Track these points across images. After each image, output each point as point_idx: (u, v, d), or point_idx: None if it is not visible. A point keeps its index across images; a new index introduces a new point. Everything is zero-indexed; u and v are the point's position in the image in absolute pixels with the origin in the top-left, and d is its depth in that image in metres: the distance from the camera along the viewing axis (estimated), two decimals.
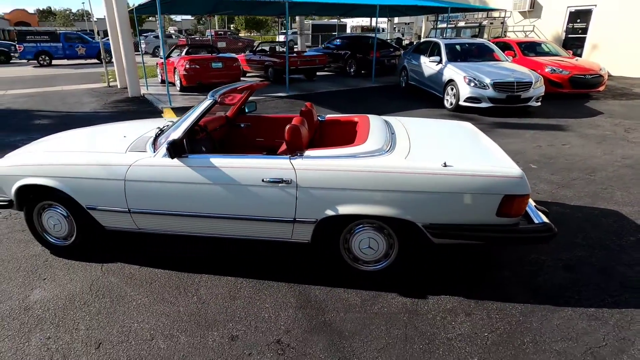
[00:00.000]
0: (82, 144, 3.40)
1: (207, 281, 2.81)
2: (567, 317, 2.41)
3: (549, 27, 14.64)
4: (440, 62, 8.95)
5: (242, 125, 4.13)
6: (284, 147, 3.05)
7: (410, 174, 2.50)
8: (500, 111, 7.91)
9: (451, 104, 8.34)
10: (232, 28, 50.33)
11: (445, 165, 2.51)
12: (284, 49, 14.02)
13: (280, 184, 2.61)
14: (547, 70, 9.42)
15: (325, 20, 30.87)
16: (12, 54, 24.03)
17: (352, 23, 31.78)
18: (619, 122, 7.34)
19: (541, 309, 2.48)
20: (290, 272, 2.90)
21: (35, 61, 20.75)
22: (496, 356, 2.13)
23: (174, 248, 3.24)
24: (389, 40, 17.93)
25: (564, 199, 4.06)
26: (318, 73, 13.71)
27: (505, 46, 10.86)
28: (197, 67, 10.78)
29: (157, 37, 23.86)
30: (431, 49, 9.68)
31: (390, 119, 3.67)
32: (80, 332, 2.33)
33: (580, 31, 14.07)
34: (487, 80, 7.73)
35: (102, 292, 2.70)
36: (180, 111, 8.48)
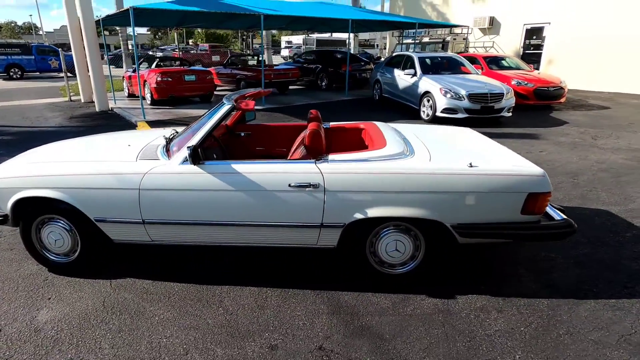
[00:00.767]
0: (82, 153, 3.22)
1: (229, 292, 2.71)
2: (592, 309, 2.52)
3: (508, 43, 15.62)
4: (414, 74, 9.29)
5: (242, 134, 4.06)
6: (297, 154, 3.03)
7: (439, 174, 2.56)
8: (475, 122, 8.27)
9: (428, 115, 8.63)
10: (190, 43, 49.47)
11: (471, 166, 2.59)
12: (255, 62, 14.09)
13: (307, 189, 2.58)
14: (513, 82, 10.00)
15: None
16: None
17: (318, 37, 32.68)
18: (584, 130, 7.89)
19: (566, 303, 2.59)
20: (315, 279, 2.86)
21: (5, 74, 19.87)
22: (537, 349, 2.19)
23: (184, 260, 3.10)
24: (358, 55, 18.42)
25: (556, 202, 4.29)
26: (290, 87, 13.80)
27: (472, 60, 11.43)
28: (170, 79, 10.54)
29: (119, 52, 23.06)
30: (404, 63, 10.02)
31: (396, 125, 3.75)
32: (104, 350, 2.16)
33: (536, 47, 15.11)
34: (463, 92, 8.09)
35: (117, 308, 2.52)
36: (156, 125, 8.23)
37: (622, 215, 3.94)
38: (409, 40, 16.55)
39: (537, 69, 14.47)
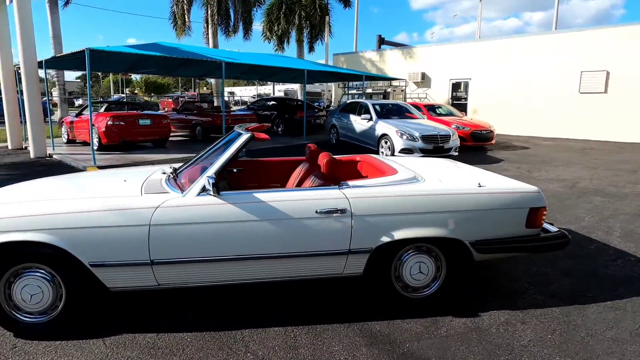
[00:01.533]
0: (67, 191, 2.86)
1: (253, 335, 2.45)
2: (597, 312, 2.70)
3: (439, 95, 17.13)
4: (370, 119, 9.78)
5: (235, 170, 3.95)
6: (307, 184, 2.99)
7: (455, 194, 2.68)
8: None
9: (386, 155, 9.02)
10: (127, 91, 47.15)
11: (480, 186, 2.74)
12: (210, 107, 13.99)
13: (334, 214, 2.54)
14: (453, 127, 10.85)
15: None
16: None
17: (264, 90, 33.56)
18: (519, 165, 8.71)
19: (574, 309, 2.74)
20: (339, 311, 2.74)
21: None
22: (571, 352, 2.28)
23: (189, 304, 2.82)
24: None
25: None
26: None
27: (414, 108, 12.33)
28: (122, 123, 9.94)
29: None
30: (359, 109, 10.54)
31: (387, 157, 3.88)
32: None
33: (462, 98, 16.72)
34: (417, 134, 8.63)
35: None
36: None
37: (580, 232, 4.33)
38: (354, 91, 17.52)
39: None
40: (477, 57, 15.99)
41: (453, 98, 16.96)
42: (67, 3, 16.71)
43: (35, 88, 9.16)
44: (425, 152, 8.63)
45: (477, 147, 11.19)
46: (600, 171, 7.99)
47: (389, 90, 16.96)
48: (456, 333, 2.48)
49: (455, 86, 16.94)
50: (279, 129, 14.14)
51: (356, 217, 2.56)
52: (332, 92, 22.09)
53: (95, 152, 9.65)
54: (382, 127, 9.27)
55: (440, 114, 12.33)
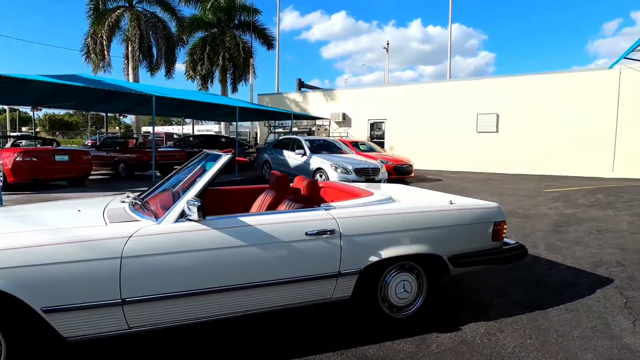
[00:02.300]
0: (12, 224, 2.33)
1: None
2: (557, 314, 2.89)
3: (359, 133, 18.10)
4: (304, 154, 9.87)
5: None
6: (282, 208, 2.83)
7: (432, 211, 2.74)
8: None
9: None
10: (24, 130, 40.90)
11: (451, 203, 2.85)
12: (131, 144, 12.89)
13: (324, 235, 2.41)
14: (378, 161, 11.47)
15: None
16: None
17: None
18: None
19: (537, 314, 2.90)
20: (330, 338, 2.53)
21: None
22: (552, 353, 2.37)
23: (159, 355, 2.40)
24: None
25: None
26: (175, 168, 12.92)
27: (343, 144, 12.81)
28: (34, 160, 8.65)
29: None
30: (292, 144, 10.60)
31: (349, 183, 3.88)
32: None
33: (380, 136, 17.88)
34: (350, 167, 8.90)
35: None
36: None
37: None
38: (280, 129, 17.70)
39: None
40: (390, 101, 17.41)
41: (372, 136, 18.06)
42: None
43: None
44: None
45: (399, 180, 11.89)
46: (506, 197, 8.98)
47: (313, 128, 17.49)
48: (447, 348, 2.43)
49: (373, 125, 18.12)
50: None
51: (345, 238, 2.45)
52: (258, 130, 22.06)
53: (2, 192, 8.16)
54: (316, 161, 9.40)
55: (364, 150, 12.98)
